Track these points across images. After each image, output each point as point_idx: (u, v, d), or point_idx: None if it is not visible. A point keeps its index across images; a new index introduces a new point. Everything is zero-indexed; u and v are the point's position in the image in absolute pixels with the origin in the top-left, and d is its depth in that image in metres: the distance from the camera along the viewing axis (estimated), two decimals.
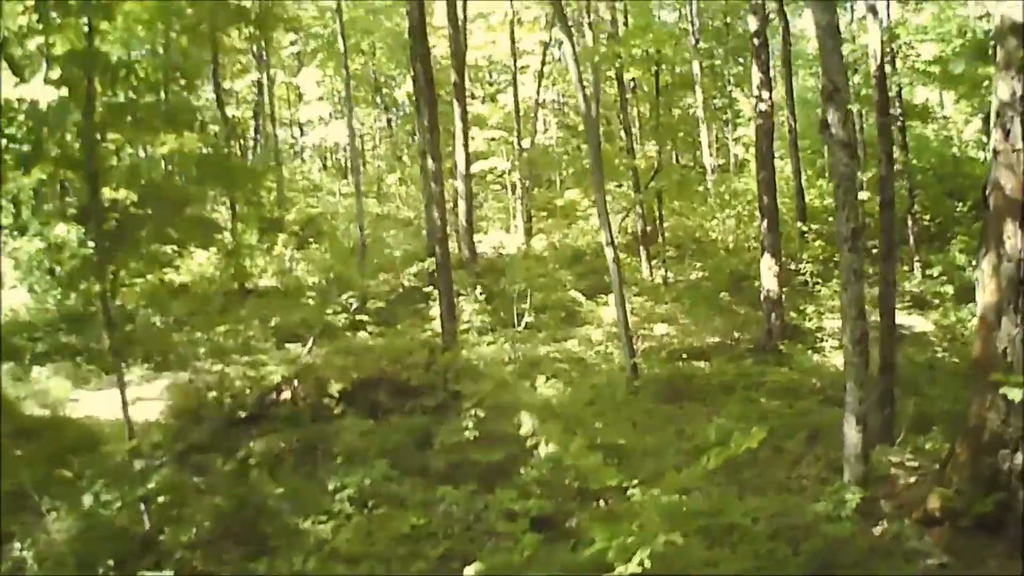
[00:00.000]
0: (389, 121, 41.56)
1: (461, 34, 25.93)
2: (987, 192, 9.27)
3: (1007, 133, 8.89)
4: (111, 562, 8.56)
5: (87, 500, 9.22)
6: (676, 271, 26.49)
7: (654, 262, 26.15)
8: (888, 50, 21.76)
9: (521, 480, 10.44)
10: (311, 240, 27.14)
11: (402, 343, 16.80)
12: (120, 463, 10.65)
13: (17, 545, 8.92)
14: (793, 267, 22.62)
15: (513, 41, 30.37)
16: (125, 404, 10.32)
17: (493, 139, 32.28)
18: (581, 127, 36.66)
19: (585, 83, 18.09)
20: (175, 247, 23.42)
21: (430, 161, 17.26)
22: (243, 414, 13.70)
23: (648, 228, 26.98)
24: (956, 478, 9.33)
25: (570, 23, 21.99)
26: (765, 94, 19.56)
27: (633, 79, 28.86)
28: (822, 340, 19.17)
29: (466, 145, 22.65)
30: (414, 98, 19.51)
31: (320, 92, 34.53)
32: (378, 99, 40.40)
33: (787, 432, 12.82)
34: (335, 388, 14.24)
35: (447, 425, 12.35)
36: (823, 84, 9.81)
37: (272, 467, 11.65)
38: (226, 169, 15.15)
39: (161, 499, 9.66)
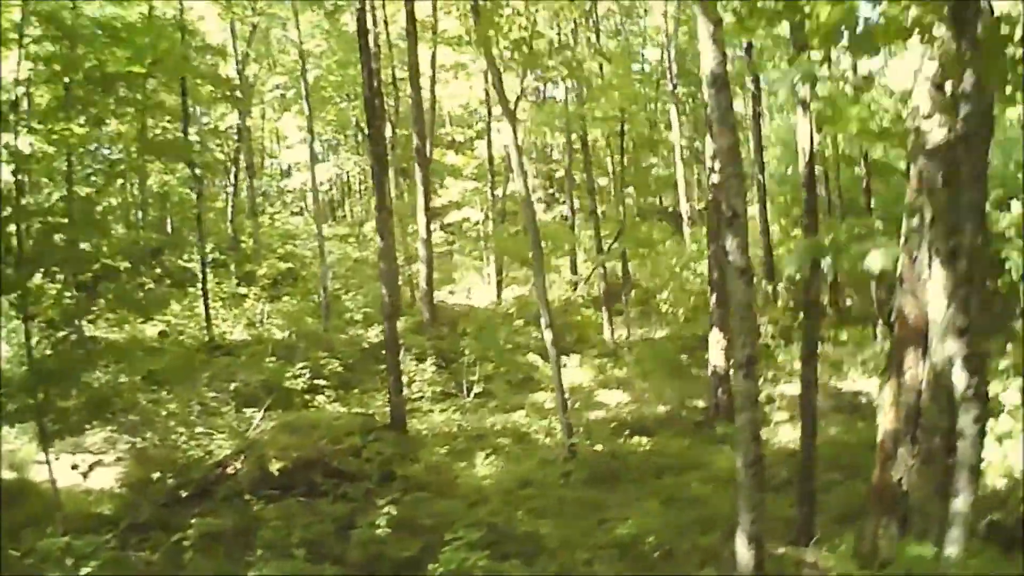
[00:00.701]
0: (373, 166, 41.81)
1: (427, 96, 26.54)
2: (892, 319, 9.66)
3: (913, 260, 9.24)
4: None
5: None
6: (642, 328, 26.76)
7: (616, 321, 26.40)
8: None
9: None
10: (287, 291, 27.43)
11: (351, 419, 17.11)
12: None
13: None
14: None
15: (488, 93, 30.72)
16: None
17: (468, 190, 32.74)
18: (559, 174, 37.31)
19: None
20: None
21: (379, 239, 17.73)
22: (184, 494, 13.96)
23: (608, 289, 27.16)
24: None
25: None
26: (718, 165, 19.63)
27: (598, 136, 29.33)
28: (771, 413, 19.44)
29: (427, 209, 23.10)
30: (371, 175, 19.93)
31: (302, 136, 34.84)
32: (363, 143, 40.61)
33: (708, 523, 12.95)
34: (275, 467, 14.66)
35: (365, 516, 12.65)
36: (724, 209, 10.15)
37: (207, 548, 11.96)
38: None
39: None
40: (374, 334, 23.36)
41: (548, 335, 17.08)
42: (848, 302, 27.36)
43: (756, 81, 26.44)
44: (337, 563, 11.46)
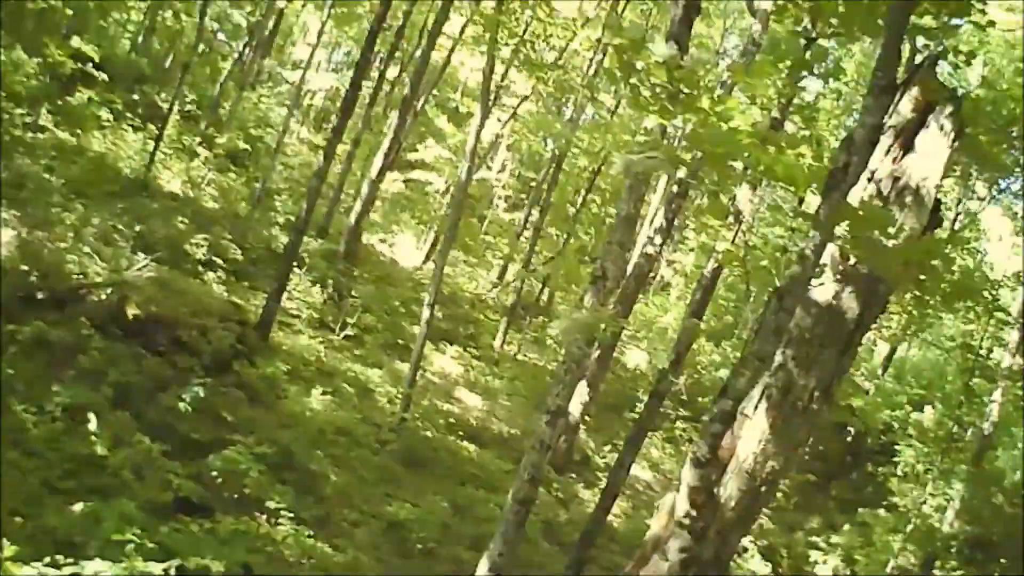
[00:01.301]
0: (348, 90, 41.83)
1: (443, 56, 27.10)
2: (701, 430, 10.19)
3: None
4: None
5: None
6: (533, 353, 27.40)
7: (513, 336, 27.00)
8: None
9: (206, 466, 11.37)
10: (236, 171, 27.59)
11: (224, 305, 17.52)
12: None
13: None
14: None
15: (493, 75, 31.10)
16: None
17: (442, 157, 33.21)
18: (530, 175, 37.90)
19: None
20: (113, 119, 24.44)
21: (321, 158, 18.35)
22: (40, 296, 14.18)
23: (518, 303, 27.75)
24: None
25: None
26: (658, 239, 19.41)
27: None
28: (599, 478, 20.18)
29: (388, 153, 23.49)
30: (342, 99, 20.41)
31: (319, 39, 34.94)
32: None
33: (480, 545, 13.61)
34: (131, 312, 15.09)
35: (178, 389, 13.03)
36: (596, 269, 10.81)
37: (32, 353, 12.39)
38: None
39: None
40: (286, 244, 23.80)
41: (426, 312, 17.67)
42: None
43: None
44: (135, 418, 11.83)
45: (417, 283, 26.61)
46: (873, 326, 32.68)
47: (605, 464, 21.08)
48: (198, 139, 26.43)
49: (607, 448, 22.31)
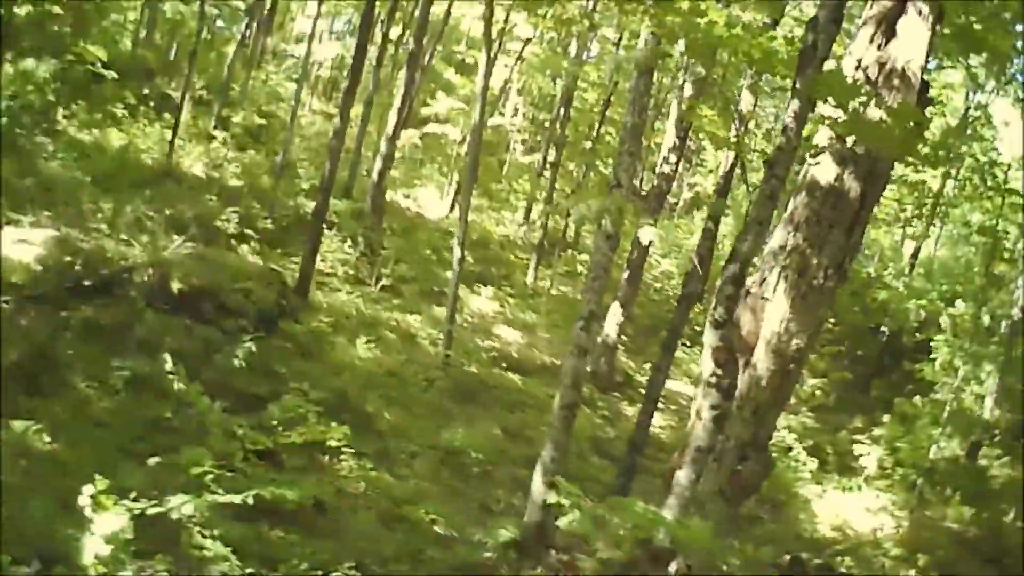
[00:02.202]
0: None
1: (443, 9, 27.41)
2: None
3: (762, 282, 9.89)
4: None
5: None
6: (564, 287, 27.94)
7: (543, 272, 27.53)
8: None
9: (266, 416, 12.01)
10: (255, 147, 28.13)
11: (261, 271, 18.14)
12: None
13: None
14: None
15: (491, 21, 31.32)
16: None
17: (454, 108, 33.58)
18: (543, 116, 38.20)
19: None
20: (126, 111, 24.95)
21: (337, 119, 18.92)
22: (87, 283, 14.67)
23: (546, 239, 28.18)
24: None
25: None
26: (672, 158, 20.19)
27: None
28: (640, 395, 20.70)
29: (401, 110, 23.95)
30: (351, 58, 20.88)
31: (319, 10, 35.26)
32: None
33: (526, 464, 14.31)
34: (176, 287, 15.76)
35: (230, 349, 13.73)
36: (611, 178, 11.35)
37: (87, 336, 13.00)
38: None
39: None
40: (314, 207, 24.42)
41: (457, 251, 18.22)
42: None
43: None
44: (193, 379, 12.39)
45: (444, 231, 27.08)
46: (897, 224, 32.77)
47: (646, 382, 21.57)
48: (213, 122, 26.96)
49: (647, 366, 22.77)
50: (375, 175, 24.01)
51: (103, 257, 15.99)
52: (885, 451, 21.21)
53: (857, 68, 9.47)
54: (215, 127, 26.75)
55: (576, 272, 28.67)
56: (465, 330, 20.50)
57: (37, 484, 8.65)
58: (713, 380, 9.31)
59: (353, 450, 12.10)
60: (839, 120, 8.86)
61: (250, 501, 8.12)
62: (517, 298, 25.11)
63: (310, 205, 24.02)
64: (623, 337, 22.10)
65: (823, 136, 9.68)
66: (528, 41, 29.59)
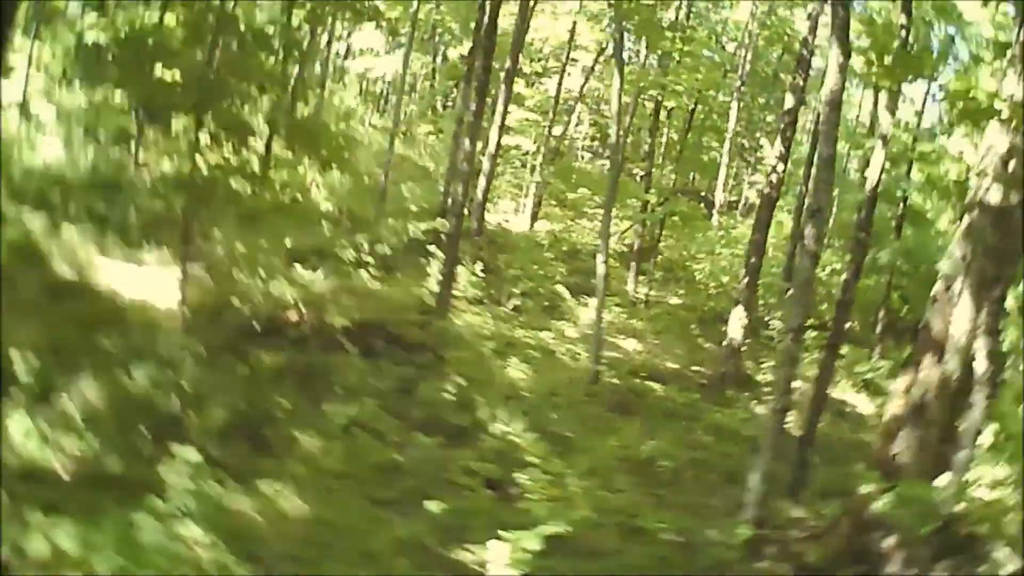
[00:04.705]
0: (434, 70, 42.33)
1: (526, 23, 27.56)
2: (919, 326, 11.27)
3: (947, 288, 10.83)
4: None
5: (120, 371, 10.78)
6: (659, 293, 28.13)
7: (641, 279, 27.77)
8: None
9: (480, 445, 12.34)
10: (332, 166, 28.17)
11: (402, 297, 18.44)
12: (143, 342, 12.28)
13: (64, 396, 10.12)
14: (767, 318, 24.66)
15: (571, 34, 31.74)
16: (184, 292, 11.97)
17: (526, 120, 33.83)
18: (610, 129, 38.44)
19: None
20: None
21: (466, 142, 19.35)
22: (257, 327, 14.74)
23: (642, 247, 28.44)
24: (835, 544, 11.41)
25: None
26: (780, 167, 21.41)
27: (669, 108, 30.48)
28: (768, 393, 20.94)
29: (502, 127, 24.28)
30: (466, 80, 21.16)
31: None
32: (430, 45, 41.09)
33: (710, 467, 14.74)
34: (339, 323, 16.00)
35: (429, 382, 14.15)
36: (808, 204, 11.85)
37: (277, 382, 13.06)
38: None
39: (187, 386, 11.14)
40: (414, 230, 24.74)
41: (601, 268, 18.77)
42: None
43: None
44: (399, 418, 12.85)
45: (536, 245, 27.26)
46: None
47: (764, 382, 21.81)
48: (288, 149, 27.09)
49: (763, 365, 22.98)
50: (480, 194, 24.29)
51: (253, 296, 15.93)
52: None
53: None
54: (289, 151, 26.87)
55: (667, 280, 28.87)
56: (588, 342, 20.76)
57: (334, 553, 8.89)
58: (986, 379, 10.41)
59: (570, 471, 12.32)
60: None
61: (570, 528, 8.33)
62: (622, 307, 25.33)
63: (413, 225, 24.40)
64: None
65: (991, 162, 10.63)
66: (601, 51, 29.93)
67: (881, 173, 15.06)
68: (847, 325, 15.51)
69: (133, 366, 11.11)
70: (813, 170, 12.84)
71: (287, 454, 11.11)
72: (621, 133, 20.39)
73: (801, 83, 21.33)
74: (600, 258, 18.81)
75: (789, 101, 21.80)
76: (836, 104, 11.92)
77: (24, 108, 21.85)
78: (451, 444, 12.39)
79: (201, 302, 15.52)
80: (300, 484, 10.25)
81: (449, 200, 27.30)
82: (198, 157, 23.30)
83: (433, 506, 9.89)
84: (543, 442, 12.58)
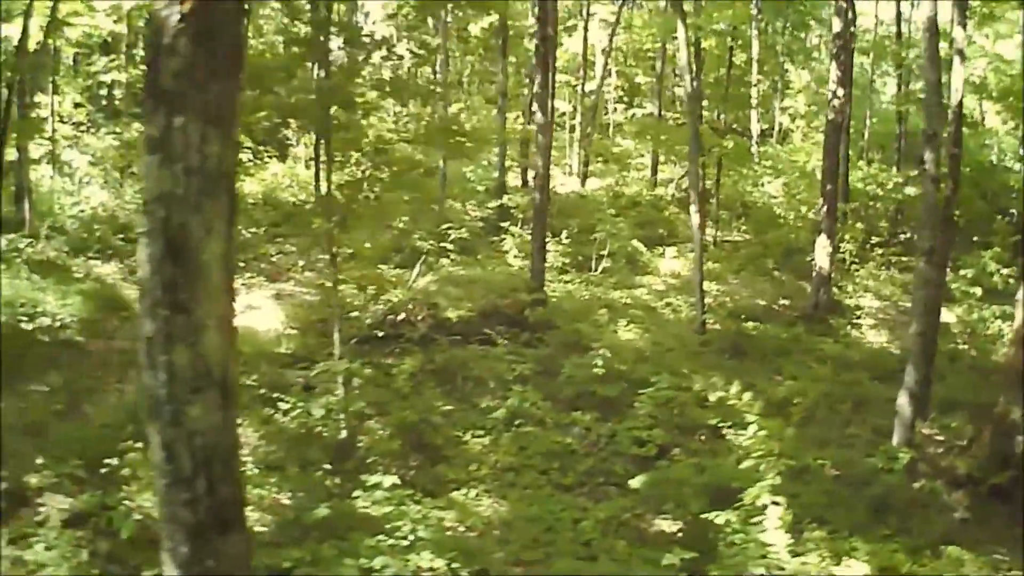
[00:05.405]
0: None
1: None
2: None
3: None
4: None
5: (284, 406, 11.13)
6: (723, 232, 28.28)
7: (708, 222, 27.82)
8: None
9: (636, 413, 12.66)
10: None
11: (502, 279, 18.77)
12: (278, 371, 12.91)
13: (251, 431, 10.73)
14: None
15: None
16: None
17: (559, 82, 33.83)
18: (639, 78, 38.59)
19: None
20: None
21: (539, 115, 19.76)
22: (380, 333, 15.11)
23: (704, 189, 28.49)
24: (980, 453, 11.85)
25: None
26: (841, 91, 21.20)
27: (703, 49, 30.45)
28: (859, 318, 21.23)
29: (552, 96, 24.41)
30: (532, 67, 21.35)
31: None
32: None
33: (838, 398, 14.95)
34: (454, 315, 16.34)
35: (570, 359, 14.44)
36: (924, 128, 12.09)
37: (415, 386, 13.18)
38: None
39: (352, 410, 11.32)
40: (475, 209, 25.48)
41: (696, 219, 19.06)
42: None
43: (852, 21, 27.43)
44: (548, 399, 13.06)
45: (597, 206, 27.35)
46: None
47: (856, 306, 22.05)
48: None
49: (850, 289, 23.20)
50: (540, 166, 24.47)
51: (361, 304, 15.94)
52: None
53: None
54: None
55: (728, 219, 29.04)
56: (680, 290, 21.08)
57: (553, 548, 9.08)
58: None
59: (728, 423, 12.64)
60: None
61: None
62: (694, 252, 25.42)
63: (472, 210, 24.73)
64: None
65: None
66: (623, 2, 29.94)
67: (964, 87, 15.20)
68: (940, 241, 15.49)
69: (292, 399, 11.42)
70: (923, 96, 13.00)
71: (459, 457, 11.43)
72: (695, 82, 20.43)
73: (844, 4, 21.20)
74: (693, 208, 19.00)
75: (836, 25, 21.63)
76: (934, 28, 12.12)
77: (54, 159, 22.42)
78: (605, 417, 12.69)
79: (304, 319, 16.24)
80: (485, 486, 10.68)
81: (518, 176, 27.97)
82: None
83: (635, 482, 10.22)
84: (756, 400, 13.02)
